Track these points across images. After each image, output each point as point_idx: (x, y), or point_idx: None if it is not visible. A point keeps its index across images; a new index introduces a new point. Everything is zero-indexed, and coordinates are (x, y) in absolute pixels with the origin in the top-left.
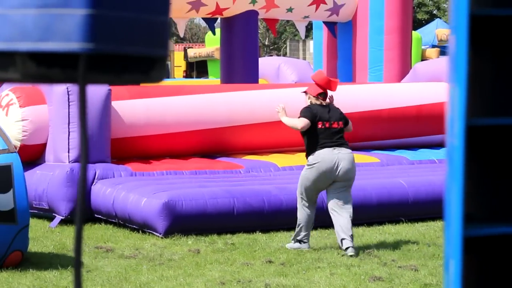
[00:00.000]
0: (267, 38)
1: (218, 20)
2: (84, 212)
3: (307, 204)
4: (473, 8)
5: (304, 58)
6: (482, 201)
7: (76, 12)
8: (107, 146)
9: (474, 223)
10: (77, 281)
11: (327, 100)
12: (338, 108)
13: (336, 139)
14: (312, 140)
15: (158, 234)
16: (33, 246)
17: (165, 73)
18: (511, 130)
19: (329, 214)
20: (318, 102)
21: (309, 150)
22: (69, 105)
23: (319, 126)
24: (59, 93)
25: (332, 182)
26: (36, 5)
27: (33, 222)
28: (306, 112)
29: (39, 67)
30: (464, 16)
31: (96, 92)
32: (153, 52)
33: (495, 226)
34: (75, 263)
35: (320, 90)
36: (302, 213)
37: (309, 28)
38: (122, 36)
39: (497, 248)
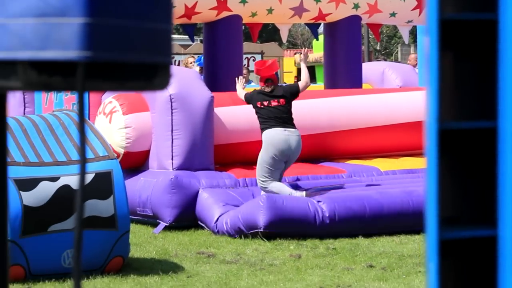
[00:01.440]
0: (378, 43)
1: (322, 25)
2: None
3: (271, 180)
4: (444, 12)
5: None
6: (463, 204)
7: (73, 21)
8: (211, 153)
9: (455, 226)
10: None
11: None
12: (284, 85)
13: (281, 117)
14: (259, 120)
15: (260, 230)
16: (136, 252)
17: (169, 80)
18: (488, 133)
19: None
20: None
21: (261, 129)
22: (172, 113)
23: (258, 105)
24: (161, 100)
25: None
26: (35, 15)
27: (137, 228)
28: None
29: (40, 76)
30: (434, 20)
31: (199, 99)
32: (155, 60)
33: (472, 229)
34: (75, 270)
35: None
36: (276, 187)
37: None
38: (121, 44)
39: (477, 251)
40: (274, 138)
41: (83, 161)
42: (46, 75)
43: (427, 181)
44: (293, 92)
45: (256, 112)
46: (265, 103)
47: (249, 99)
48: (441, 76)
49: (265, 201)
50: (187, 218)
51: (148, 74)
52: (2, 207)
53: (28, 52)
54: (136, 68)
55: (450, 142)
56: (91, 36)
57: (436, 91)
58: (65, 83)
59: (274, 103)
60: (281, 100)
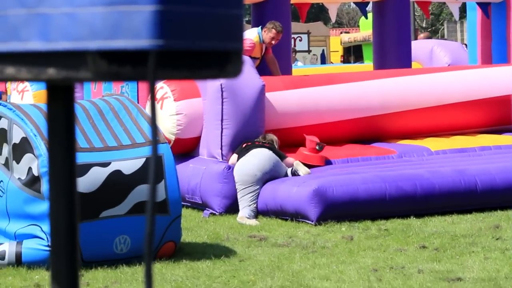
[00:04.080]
0: (424, 21)
1: (371, 4)
2: (154, 202)
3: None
4: None
5: (462, 40)
6: None
7: (144, 9)
8: None
9: None
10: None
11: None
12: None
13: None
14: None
15: (310, 222)
16: (187, 236)
17: (242, 67)
18: None
19: (484, 197)
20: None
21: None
22: (222, 102)
23: (243, 146)
24: (212, 89)
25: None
26: (104, 3)
27: (187, 212)
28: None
29: (110, 66)
30: None
31: (250, 88)
32: (227, 46)
33: None
34: (146, 258)
35: None
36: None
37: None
38: (193, 31)
39: None
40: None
41: (155, 149)
42: (116, 65)
43: None
44: (279, 154)
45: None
46: (249, 143)
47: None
48: None
49: (315, 195)
50: (237, 208)
51: (221, 61)
52: (72, 193)
53: (98, 42)
54: (208, 56)
55: None
56: (163, 24)
57: None
58: (136, 73)
59: (257, 143)
60: (266, 145)
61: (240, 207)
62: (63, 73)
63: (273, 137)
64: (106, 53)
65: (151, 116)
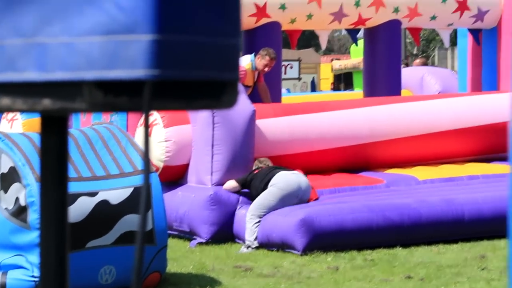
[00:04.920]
0: (415, 47)
1: (362, 31)
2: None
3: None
4: None
5: (453, 66)
6: None
7: (141, 38)
8: (251, 168)
9: None
10: None
11: None
12: None
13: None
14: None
15: (296, 252)
16: (173, 267)
17: (238, 98)
18: None
19: (471, 227)
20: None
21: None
22: (213, 128)
23: (255, 172)
24: (203, 114)
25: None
26: (102, 32)
27: (173, 242)
28: None
29: (106, 96)
30: None
31: (241, 113)
32: (223, 77)
33: None
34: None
35: None
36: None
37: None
38: (190, 61)
39: None
40: (287, 180)
41: (147, 179)
42: (112, 96)
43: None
44: None
45: (252, 179)
46: (259, 168)
47: (247, 177)
48: None
49: (302, 225)
50: (224, 235)
51: (216, 91)
52: (62, 224)
53: (94, 72)
54: (203, 86)
55: None
56: (160, 54)
57: None
58: (131, 104)
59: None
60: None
61: (251, 231)
62: (58, 104)
63: (267, 160)
64: (102, 84)
65: (144, 148)
